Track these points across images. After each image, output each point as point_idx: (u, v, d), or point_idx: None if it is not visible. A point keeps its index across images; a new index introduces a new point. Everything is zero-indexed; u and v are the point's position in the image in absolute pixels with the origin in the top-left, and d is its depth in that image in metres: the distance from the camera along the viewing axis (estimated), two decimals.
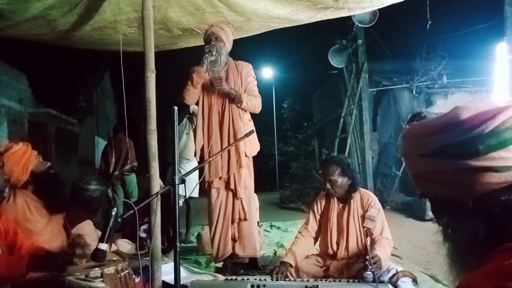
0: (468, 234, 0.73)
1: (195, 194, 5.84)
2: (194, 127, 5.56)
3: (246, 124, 3.60)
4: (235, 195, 3.50)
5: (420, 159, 0.79)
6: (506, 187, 0.72)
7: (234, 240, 3.53)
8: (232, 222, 3.51)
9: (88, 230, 3.06)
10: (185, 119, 5.64)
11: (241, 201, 3.50)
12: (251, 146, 3.60)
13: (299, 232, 3.24)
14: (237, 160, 3.48)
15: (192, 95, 3.52)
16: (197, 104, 3.60)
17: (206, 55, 3.38)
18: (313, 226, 3.16)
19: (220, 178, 3.51)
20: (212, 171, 3.50)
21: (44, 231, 2.60)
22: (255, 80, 3.71)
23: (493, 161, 0.72)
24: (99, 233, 3.09)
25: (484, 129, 0.72)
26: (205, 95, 3.58)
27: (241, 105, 3.52)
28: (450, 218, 0.77)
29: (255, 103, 3.60)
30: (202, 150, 3.58)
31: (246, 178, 3.54)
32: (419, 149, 0.79)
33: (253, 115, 3.76)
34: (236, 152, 3.49)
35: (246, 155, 3.55)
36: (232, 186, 3.49)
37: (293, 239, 3.27)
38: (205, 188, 3.63)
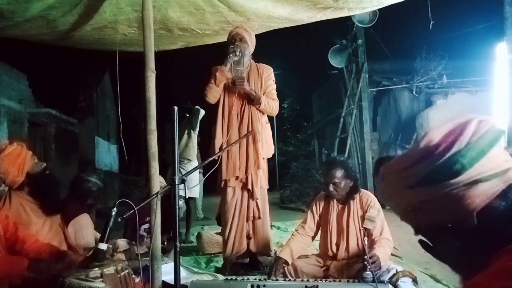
0: (476, 248, 0.75)
1: (196, 194, 5.86)
2: (194, 127, 5.59)
3: (264, 126, 3.68)
4: (251, 195, 3.55)
5: (409, 191, 0.79)
6: (502, 192, 0.73)
7: (248, 237, 3.59)
8: (247, 220, 3.57)
9: (85, 224, 3.06)
10: (186, 119, 5.64)
11: (256, 200, 3.55)
12: (268, 148, 3.69)
13: (296, 230, 3.25)
14: (255, 161, 3.54)
15: (214, 93, 3.56)
16: (217, 103, 3.64)
17: (230, 55, 3.45)
18: (310, 225, 3.17)
19: (236, 178, 3.55)
20: (229, 170, 3.54)
21: (41, 232, 2.58)
22: (274, 83, 3.77)
23: (478, 172, 0.73)
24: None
25: (460, 145, 0.74)
26: (227, 95, 3.62)
27: (259, 106, 3.57)
28: (457, 244, 0.77)
29: (272, 106, 3.66)
30: (220, 148, 3.61)
31: (261, 178, 3.62)
32: (405, 181, 0.80)
33: None
34: (255, 153, 3.54)
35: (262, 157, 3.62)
36: (249, 186, 3.54)
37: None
38: (220, 187, 3.66)
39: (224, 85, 3.58)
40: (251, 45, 3.60)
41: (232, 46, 3.48)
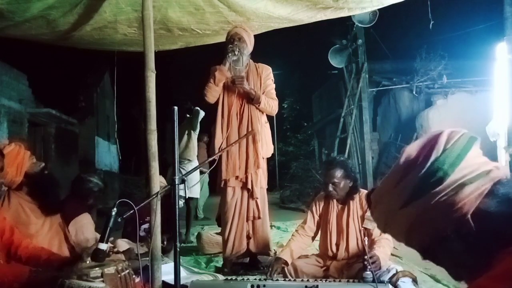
0: (478, 252, 0.75)
1: (196, 194, 5.86)
2: (194, 127, 5.58)
3: (263, 126, 3.69)
4: (251, 195, 3.56)
5: (403, 211, 0.79)
6: (490, 191, 0.75)
7: (248, 237, 3.60)
8: (247, 220, 3.58)
9: (86, 223, 3.06)
10: (186, 120, 5.64)
11: (256, 200, 3.56)
12: (267, 148, 3.70)
13: (296, 230, 3.25)
14: (254, 161, 3.54)
15: (214, 92, 3.57)
16: (217, 103, 3.64)
17: (229, 54, 3.47)
18: (310, 226, 3.17)
19: (236, 177, 3.56)
20: (229, 170, 3.55)
21: (40, 232, 2.58)
22: (273, 83, 3.79)
23: (461, 175, 0.75)
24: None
25: (437, 153, 0.77)
26: (226, 95, 3.63)
27: (259, 105, 3.58)
28: (459, 250, 0.78)
29: (272, 105, 3.67)
30: (219, 148, 3.61)
31: (261, 178, 3.63)
32: (396, 202, 0.80)
33: None
34: (254, 153, 3.55)
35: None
36: (249, 186, 3.55)
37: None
38: (220, 187, 3.67)
39: (224, 84, 3.58)
40: (249, 44, 3.61)
41: (230, 46, 3.50)
